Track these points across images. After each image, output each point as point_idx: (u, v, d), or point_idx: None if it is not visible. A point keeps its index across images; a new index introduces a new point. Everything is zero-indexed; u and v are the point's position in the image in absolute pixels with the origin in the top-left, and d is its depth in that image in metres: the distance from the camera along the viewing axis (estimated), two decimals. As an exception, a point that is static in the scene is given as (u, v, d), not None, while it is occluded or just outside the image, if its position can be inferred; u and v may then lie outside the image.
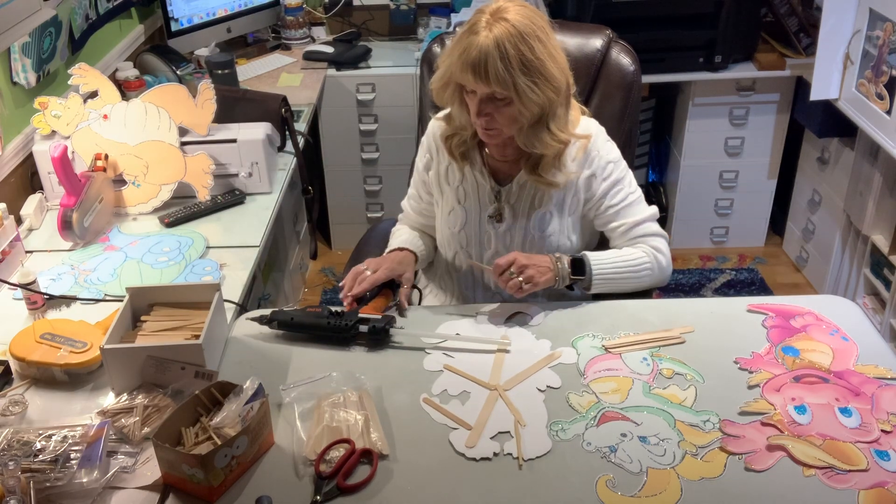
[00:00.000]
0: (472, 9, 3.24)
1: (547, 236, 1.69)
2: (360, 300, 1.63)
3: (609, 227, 1.71)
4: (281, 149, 2.35)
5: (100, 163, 2.04)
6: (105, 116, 2.08)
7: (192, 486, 1.24)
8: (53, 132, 2.10)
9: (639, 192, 1.71)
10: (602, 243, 1.82)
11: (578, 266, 1.64)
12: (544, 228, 1.69)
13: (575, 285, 1.67)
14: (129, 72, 2.56)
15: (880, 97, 2.48)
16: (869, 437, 1.33)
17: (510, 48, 1.46)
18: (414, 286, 1.73)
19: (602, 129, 1.70)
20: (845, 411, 1.38)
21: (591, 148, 1.65)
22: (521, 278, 1.58)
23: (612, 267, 1.65)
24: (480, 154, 1.69)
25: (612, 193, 1.68)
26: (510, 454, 1.31)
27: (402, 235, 1.84)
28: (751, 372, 1.48)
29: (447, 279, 1.85)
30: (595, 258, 1.65)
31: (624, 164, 1.70)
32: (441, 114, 1.72)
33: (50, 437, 1.31)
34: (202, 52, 2.95)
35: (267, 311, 1.60)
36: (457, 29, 2.00)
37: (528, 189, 1.68)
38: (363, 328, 1.56)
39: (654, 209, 1.72)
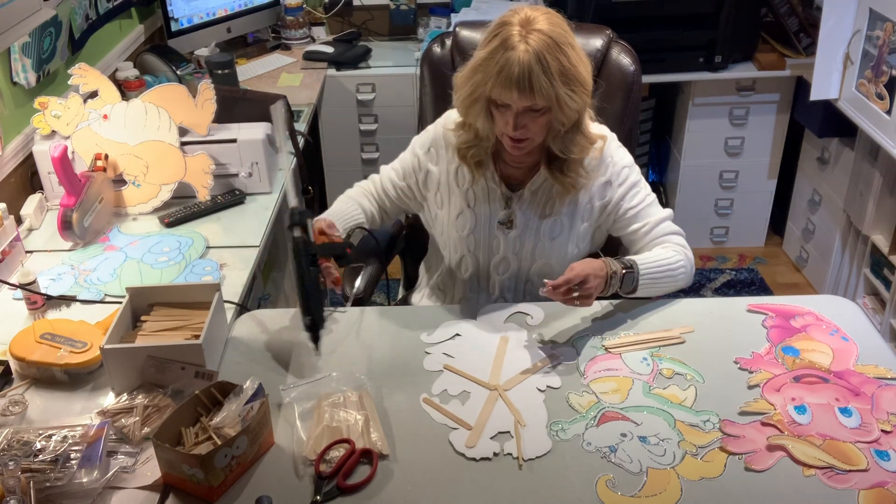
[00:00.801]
0: (473, 9, 3.24)
1: (556, 244, 1.69)
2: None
3: (630, 230, 1.69)
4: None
5: (100, 163, 2.04)
6: (105, 116, 2.08)
7: (192, 486, 1.24)
8: (53, 132, 2.10)
9: (653, 195, 1.70)
10: (606, 252, 1.80)
11: (626, 273, 1.59)
12: (554, 236, 1.68)
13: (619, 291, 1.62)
14: (129, 72, 2.56)
15: (880, 97, 2.48)
16: (869, 437, 1.33)
17: (550, 60, 1.44)
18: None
19: (614, 135, 1.69)
20: (845, 411, 1.38)
21: (606, 154, 1.65)
22: (577, 294, 1.51)
23: (656, 269, 1.62)
24: (493, 160, 1.68)
25: (630, 196, 1.67)
26: (510, 454, 1.31)
27: (336, 206, 1.76)
28: (751, 372, 1.48)
29: (448, 280, 1.84)
30: (641, 261, 1.61)
31: (637, 168, 1.70)
32: (451, 123, 1.68)
33: (50, 437, 1.30)
34: (202, 52, 2.96)
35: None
36: (457, 29, 1.99)
37: (540, 196, 1.67)
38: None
39: (670, 210, 1.71)
